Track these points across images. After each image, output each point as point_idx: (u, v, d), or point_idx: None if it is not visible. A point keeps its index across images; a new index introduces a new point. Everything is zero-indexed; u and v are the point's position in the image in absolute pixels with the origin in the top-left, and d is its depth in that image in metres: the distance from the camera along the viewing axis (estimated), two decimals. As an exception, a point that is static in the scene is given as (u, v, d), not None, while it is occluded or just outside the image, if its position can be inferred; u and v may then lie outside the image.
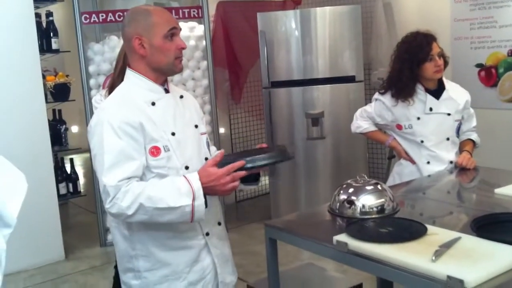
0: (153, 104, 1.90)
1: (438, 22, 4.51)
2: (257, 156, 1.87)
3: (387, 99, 2.93)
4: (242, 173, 1.83)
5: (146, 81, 1.91)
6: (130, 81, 1.94)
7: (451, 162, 2.89)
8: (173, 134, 1.90)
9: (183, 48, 1.92)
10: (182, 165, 1.91)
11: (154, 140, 1.86)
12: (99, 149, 1.81)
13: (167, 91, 1.97)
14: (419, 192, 2.63)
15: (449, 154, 2.91)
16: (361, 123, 3.10)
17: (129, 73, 1.95)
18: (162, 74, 1.94)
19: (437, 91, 2.89)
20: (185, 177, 1.82)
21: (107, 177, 1.78)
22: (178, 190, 1.79)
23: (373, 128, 3.09)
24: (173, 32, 1.89)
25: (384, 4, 5.05)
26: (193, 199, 1.78)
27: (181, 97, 2.04)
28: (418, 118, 2.88)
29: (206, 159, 2.01)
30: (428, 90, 2.87)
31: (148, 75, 1.91)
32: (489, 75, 4.41)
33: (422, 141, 2.90)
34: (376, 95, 3.01)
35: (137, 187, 1.78)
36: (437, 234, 1.78)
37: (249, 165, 1.83)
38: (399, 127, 2.94)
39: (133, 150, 1.82)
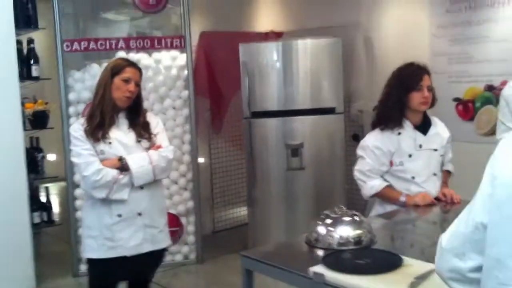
0: None
1: (418, 56, 4.52)
2: None
3: (378, 140, 2.86)
4: None
5: None
6: None
7: (436, 198, 2.86)
8: None
9: None
10: None
11: None
12: None
13: None
14: (403, 224, 2.62)
15: (435, 190, 2.88)
16: (372, 183, 2.91)
17: None
18: None
19: (423, 126, 2.89)
20: None
21: None
22: None
23: (385, 183, 2.90)
24: None
25: (364, 38, 5.13)
26: None
27: None
28: (410, 156, 2.84)
29: None
30: (415, 127, 2.86)
31: None
32: (467, 109, 4.47)
33: (413, 177, 2.85)
34: (361, 149, 2.94)
35: None
36: (412, 266, 1.77)
37: None
38: (391, 163, 2.87)
39: None
